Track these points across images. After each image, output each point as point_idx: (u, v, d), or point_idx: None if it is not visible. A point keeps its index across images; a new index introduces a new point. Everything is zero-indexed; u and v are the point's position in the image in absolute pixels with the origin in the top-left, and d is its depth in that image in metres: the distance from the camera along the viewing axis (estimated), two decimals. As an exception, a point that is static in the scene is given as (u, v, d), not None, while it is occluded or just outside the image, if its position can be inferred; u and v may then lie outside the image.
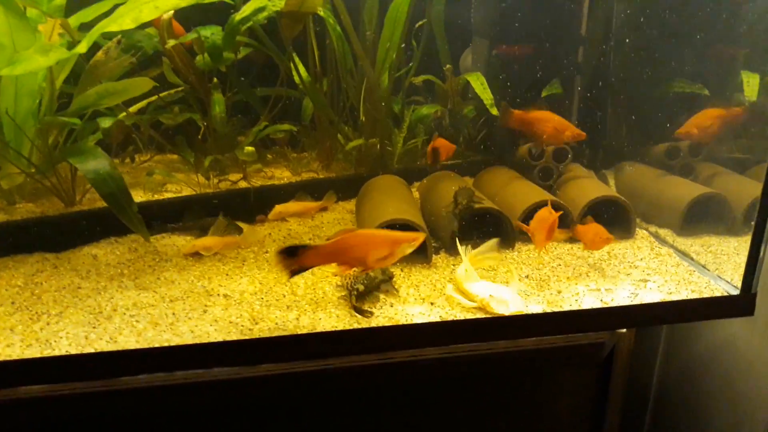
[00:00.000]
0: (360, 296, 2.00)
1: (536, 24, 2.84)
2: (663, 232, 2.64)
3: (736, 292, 2.11)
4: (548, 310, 1.98)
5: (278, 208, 2.56)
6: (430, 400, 2.04)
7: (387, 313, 1.95)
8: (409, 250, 1.90)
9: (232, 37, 2.29)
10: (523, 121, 2.70)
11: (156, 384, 1.81)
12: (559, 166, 2.88)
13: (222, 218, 2.29)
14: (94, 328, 1.85)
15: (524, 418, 2.16)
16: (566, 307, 1.99)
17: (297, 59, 2.73)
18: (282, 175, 2.95)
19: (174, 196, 2.64)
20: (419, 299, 2.04)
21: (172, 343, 1.78)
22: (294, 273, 1.83)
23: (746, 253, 2.05)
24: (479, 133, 3.07)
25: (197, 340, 1.80)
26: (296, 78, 2.76)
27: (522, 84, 2.90)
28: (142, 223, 2.11)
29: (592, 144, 3.02)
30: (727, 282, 2.18)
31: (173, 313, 1.93)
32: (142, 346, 1.77)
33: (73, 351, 1.74)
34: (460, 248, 2.19)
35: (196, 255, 2.28)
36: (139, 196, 2.64)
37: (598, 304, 2.02)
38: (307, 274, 2.19)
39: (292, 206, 2.57)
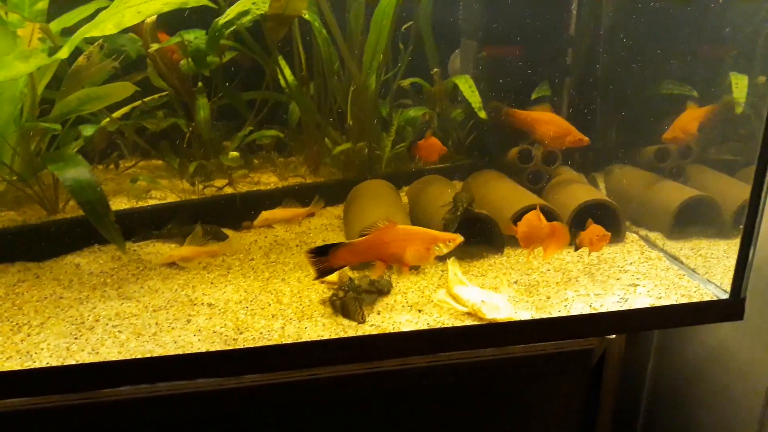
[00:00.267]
0: (350, 301, 1.97)
1: (525, 26, 2.82)
2: (653, 236, 2.62)
3: (725, 296, 2.09)
4: (537, 316, 1.96)
5: (264, 215, 2.54)
6: (418, 409, 2.02)
7: (374, 321, 1.92)
8: (446, 251, 1.92)
9: (216, 41, 2.26)
10: (525, 122, 2.67)
11: (139, 396, 1.78)
12: (549, 170, 2.87)
13: (200, 227, 2.25)
14: (75, 339, 1.82)
15: (514, 425, 2.13)
16: (555, 313, 1.97)
17: (283, 63, 2.70)
18: (268, 181, 2.92)
19: (158, 202, 2.60)
20: (407, 306, 2.02)
21: (155, 354, 1.75)
22: (323, 273, 1.85)
23: (736, 256, 2.04)
24: (468, 137, 3.04)
25: (180, 351, 1.77)
26: (282, 82, 2.73)
27: (511, 86, 2.89)
28: (119, 233, 2.08)
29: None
30: (717, 286, 2.17)
31: (156, 323, 1.90)
32: (124, 357, 1.74)
33: (54, 363, 1.71)
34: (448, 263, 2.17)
35: (173, 265, 2.25)
36: (122, 203, 2.61)
37: (587, 310, 2.00)
38: (293, 281, 2.17)
39: (278, 212, 2.55)
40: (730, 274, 2.07)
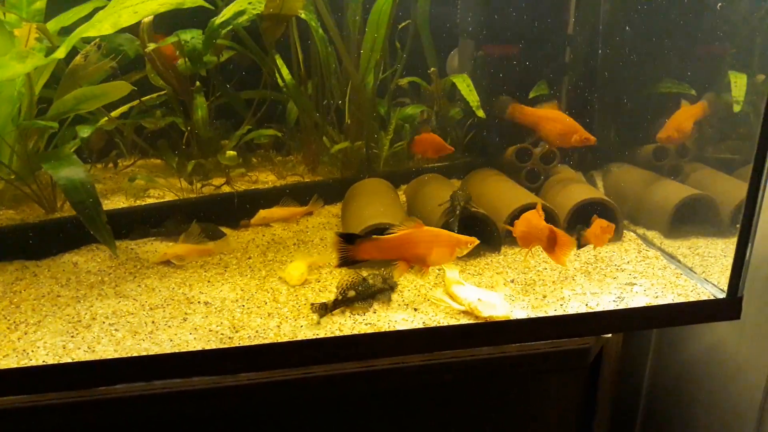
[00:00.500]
0: (346, 302, 1.97)
1: (523, 24, 2.82)
2: (651, 234, 2.62)
3: (722, 295, 2.09)
4: (533, 315, 1.96)
5: (262, 213, 2.54)
6: (413, 408, 2.02)
7: (369, 319, 1.92)
8: (465, 252, 1.96)
9: (212, 41, 2.26)
10: (531, 119, 2.67)
11: (134, 394, 1.78)
12: (547, 168, 2.87)
13: (195, 225, 2.26)
14: (72, 337, 1.82)
15: (510, 424, 2.13)
16: (551, 312, 1.97)
17: (280, 62, 2.70)
18: (267, 179, 2.92)
19: (156, 201, 2.61)
20: (403, 305, 2.02)
21: (151, 352, 1.75)
22: (345, 262, 1.87)
23: (733, 255, 2.04)
24: (466, 135, 3.04)
25: (176, 349, 1.77)
26: (279, 81, 2.73)
27: (509, 85, 2.88)
28: (110, 235, 2.08)
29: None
30: (714, 285, 2.16)
31: (153, 322, 1.91)
32: (120, 356, 1.74)
33: (51, 361, 1.72)
34: None
35: (169, 263, 2.26)
36: (121, 202, 2.62)
37: (583, 309, 2.00)
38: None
39: (276, 211, 2.56)
40: (728, 273, 2.06)
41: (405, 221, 1.93)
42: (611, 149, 3.05)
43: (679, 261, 2.39)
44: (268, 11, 2.22)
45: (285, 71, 2.72)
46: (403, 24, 2.92)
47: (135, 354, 1.74)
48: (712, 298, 2.08)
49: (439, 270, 2.24)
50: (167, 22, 2.46)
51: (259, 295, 2.07)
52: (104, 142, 2.86)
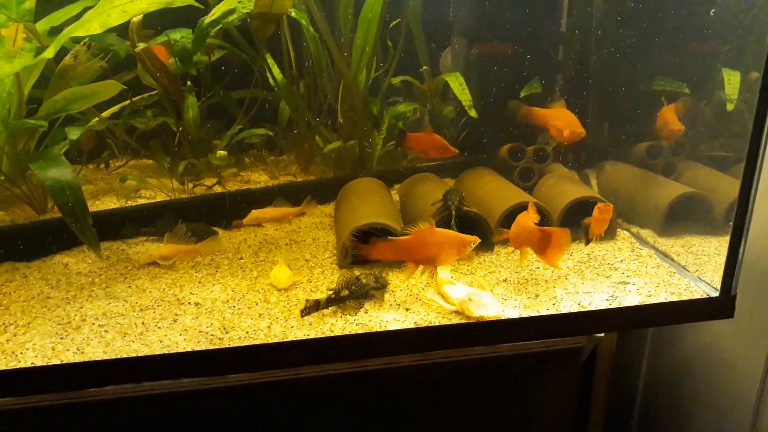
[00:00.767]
0: (338, 300, 1.96)
1: (516, 23, 2.81)
2: (644, 233, 2.61)
3: (716, 294, 2.08)
4: (525, 314, 1.95)
5: (254, 213, 2.53)
6: (405, 408, 2.01)
7: (361, 319, 1.91)
8: (469, 251, 1.98)
9: (202, 40, 2.25)
10: (541, 119, 2.67)
11: (123, 395, 1.77)
12: (540, 167, 2.86)
13: (181, 225, 2.24)
14: (61, 339, 1.81)
15: (503, 424, 2.13)
16: (543, 312, 1.96)
17: (271, 61, 2.69)
18: (259, 179, 2.91)
19: (148, 201, 2.60)
20: (395, 305, 2.01)
21: (140, 354, 1.74)
22: (357, 260, 1.89)
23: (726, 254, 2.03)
24: (460, 134, 3.03)
25: (166, 350, 1.76)
26: (271, 81, 2.72)
27: (502, 83, 2.88)
28: (95, 237, 2.06)
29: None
30: (708, 284, 2.16)
31: (143, 323, 1.90)
32: (109, 357, 1.73)
33: (39, 363, 1.71)
34: None
35: (155, 264, 2.25)
36: (112, 203, 2.61)
37: (575, 308, 1.99)
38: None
39: (268, 211, 2.55)
40: (721, 272, 2.05)
41: (419, 223, 1.93)
42: (605, 147, 3.04)
43: (672, 259, 2.38)
44: (257, 10, 2.21)
45: (276, 70, 2.71)
46: (395, 22, 2.91)
47: (124, 355, 1.73)
48: (705, 296, 2.08)
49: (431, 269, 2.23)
50: (158, 22, 2.46)
51: (250, 296, 2.06)
52: (95, 142, 2.84)
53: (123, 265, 2.27)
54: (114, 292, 2.09)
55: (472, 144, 3.03)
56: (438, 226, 2.29)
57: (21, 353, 1.74)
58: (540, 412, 2.13)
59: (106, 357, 1.73)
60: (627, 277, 2.21)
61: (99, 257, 2.24)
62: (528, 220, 2.11)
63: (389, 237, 1.92)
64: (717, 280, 2.08)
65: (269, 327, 1.87)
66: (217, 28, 2.21)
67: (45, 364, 1.70)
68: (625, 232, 2.60)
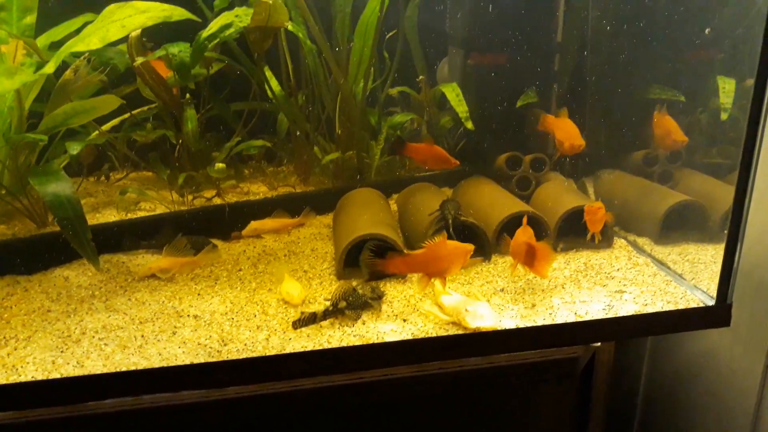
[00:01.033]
0: (336, 312, 1.97)
1: (512, 33, 2.83)
2: (641, 241, 2.62)
3: (712, 302, 2.09)
4: (522, 324, 1.96)
5: (253, 225, 2.55)
6: (403, 420, 2.02)
7: (358, 331, 1.93)
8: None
9: (200, 54, 2.28)
10: (549, 126, 2.69)
11: (123, 408, 1.79)
12: (537, 176, 2.87)
13: (180, 238, 2.26)
14: (61, 352, 1.83)
15: (501, 433, 2.14)
16: (540, 322, 1.97)
17: (269, 73, 2.72)
18: (258, 190, 2.93)
19: (147, 214, 2.61)
20: (392, 316, 2.02)
21: (140, 367, 1.76)
22: (374, 276, 1.91)
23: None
24: (457, 144, 3.05)
25: (165, 363, 1.77)
26: (269, 93, 2.75)
27: (499, 93, 2.90)
28: (95, 252, 2.09)
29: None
30: (704, 292, 2.17)
31: (142, 336, 1.91)
32: (109, 370, 1.74)
33: (40, 376, 1.72)
34: None
35: (154, 277, 2.26)
36: (112, 216, 2.62)
37: (572, 318, 2.00)
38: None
39: (267, 223, 2.57)
40: (717, 280, 2.06)
41: (433, 237, 1.97)
42: (602, 155, 3.06)
43: (669, 267, 2.39)
44: (254, 24, 2.23)
45: (274, 83, 2.74)
46: (391, 33, 2.93)
47: (124, 368, 1.75)
48: (701, 305, 2.08)
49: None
50: (157, 34, 2.48)
51: (249, 308, 2.07)
52: (95, 156, 2.87)
53: (123, 278, 2.29)
54: (114, 304, 2.10)
55: (469, 153, 3.04)
56: (434, 236, 2.32)
57: (22, 367, 1.75)
58: (538, 422, 2.14)
59: (105, 370, 1.74)
60: (624, 285, 2.22)
61: (98, 271, 2.26)
62: (523, 234, 2.14)
63: (406, 251, 1.94)
64: (713, 289, 2.09)
65: (267, 339, 1.88)
66: (215, 42, 2.24)
67: (45, 378, 1.71)
68: (622, 240, 2.61)
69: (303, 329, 1.92)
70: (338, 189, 2.86)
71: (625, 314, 2.01)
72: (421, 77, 2.93)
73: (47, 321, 2.00)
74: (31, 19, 2.38)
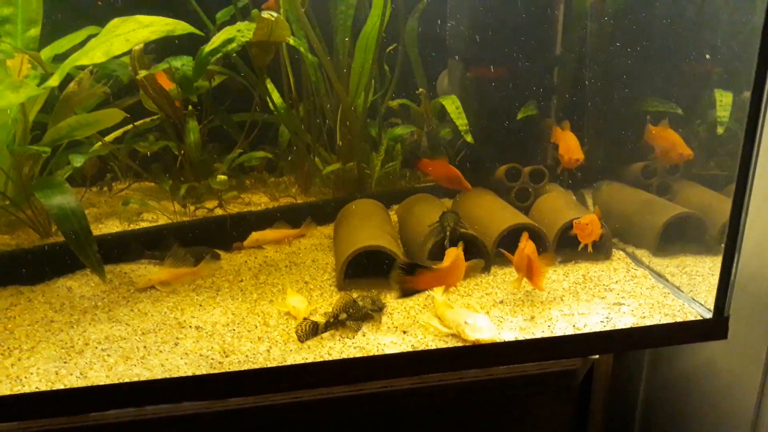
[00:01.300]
0: (337, 324, 1.99)
1: (511, 45, 2.86)
2: (640, 253, 2.64)
3: (709, 315, 2.11)
4: (521, 336, 1.98)
5: (255, 236, 2.57)
6: (402, 431, 2.04)
7: (359, 342, 1.94)
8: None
9: (202, 68, 2.30)
10: (555, 137, 2.74)
11: (126, 419, 1.81)
12: (537, 187, 2.90)
13: (178, 249, 2.28)
14: (65, 363, 1.84)
15: (500, 444, 2.15)
16: (539, 334, 1.99)
17: (271, 86, 2.74)
18: (259, 201, 2.95)
19: (150, 225, 2.63)
20: (392, 327, 2.04)
21: (142, 378, 1.77)
22: (406, 293, 1.94)
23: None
24: (457, 155, 3.07)
25: (167, 374, 1.79)
26: (270, 105, 2.77)
27: (499, 105, 2.92)
28: (101, 264, 2.10)
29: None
30: (701, 305, 2.19)
31: (145, 347, 1.93)
32: (112, 381, 1.76)
33: (43, 387, 1.73)
34: None
35: (153, 288, 2.28)
36: (115, 226, 2.64)
37: (570, 330, 2.01)
38: (280, 303, 2.20)
39: (268, 233, 2.59)
40: (715, 292, 2.08)
41: (453, 249, 2.04)
42: (601, 167, 3.08)
43: (667, 280, 2.41)
44: (256, 38, 2.26)
45: (276, 95, 2.76)
46: (391, 47, 2.96)
47: (127, 380, 1.76)
48: (699, 318, 2.10)
49: (429, 292, 2.26)
50: (159, 47, 2.51)
51: (250, 319, 2.09)
52: (97, 168, 2.89)
53: (125, 289, 2.30)
54: (116, 315, 2.12)
55: (468, 165, 3.06)
56: (434, 247, 2.35)
57: (25, 378, 1.77)
58: (536, 432, 2.16)
59: (108, 381, 1.76)
60: (622, 298, 2.24)
61: (103, 282, 2.28)
62: (527, 248, 2.17)
63: (433, 266, 1.99)
64: (711, 301, 2.11)
65: (268, 350, 1.90)
66: (217, 56, 2.26)
67: (49, 388, 1.73)
68: (621, 252, 2.63)
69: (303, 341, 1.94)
70: (339, 200, 2.89)
71: (623, 327, 2.03)
72: (420, 90, 2.95)
73: (50, 331, 2.02)
74: (35, 31, 2.41)
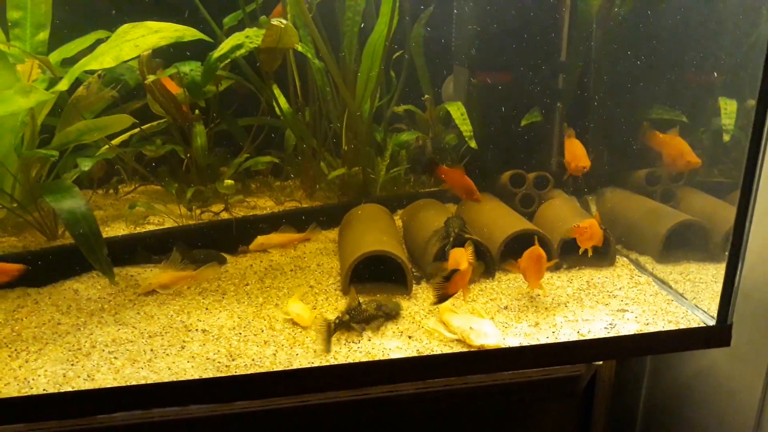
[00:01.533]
0: (343, 326, 2.01)
1: (516, 51, 2.88)
2: (643, 260, 2.65)
3: (712, 322, 2.12)
4: (525, 342, 1.99)
5: (260, 239, 2.58)
6: (407, 435, 2.05)
7: (364, 347, 1.96)
8: None
9: (211, 74, 2.32)
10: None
11: (133, 422, 1.82)
12: (541, 193, 2.91)
13: (177, 252, 2.28)
14: (72, 365, 1.85)
15: (504, 450, 2.16)
16: (543, 340, 2.00)
17: (277, 91, 2.76)
18: (265, 205, 2.96)
19: (156, 228, 2.65)
20: (397, 332, 2.05)
21: (149, 381, 1.78)
22: (442, 299, 2.00)
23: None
24: (461, 160, 3.08)
25: (174, 378, 1.80)
26: (277, 109, 2.79)
27: (503, 111, 2.94)
28: (111, 267, 2.13)
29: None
30: (704, 312, 2.19)
31: (151, 350, 1.94)
32: (119, 384, 1.77)
33: (51, 389, 1.74)
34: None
35: (154, 292, 2.29)
36: (121, 229, 2.66)
37: (575, 336, 2.02)
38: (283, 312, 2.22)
39: (274, 237, 2.60)
40: (718, 300, 2.09)
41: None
42: (605, 174, 3.09)
43: (670, 287, 2.42)
44: (265, 45, 2.27)
45: (282, 100, 2.78)
46: (397, 54, 2.98)
47: (134, 382, 1.77)
48: (702, 325, 2.11)
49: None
50: (166, 50, 2.53)
51: (256, 323, 2.10)
52: (104, 171, 2.91)
53: (131, 291, 2.31)
54: (123, 318, 2.13)
55: (473, 170, 3.08)
56: (439, 252, 2.37)
57: (33, 380, 1.78)
58: (540, 438, 2.17)
59: (116, 384, 1.77)
60: (626, 304, 2.25)
61: (113, 285, 2.29)
62: (534, 252, 2.19)
63: (458, 269, 2.03)
64: (714, 308, 2.12)
65: (275, 354, 1.91)
66: (226, 62, 2.28)
67: (56, 391, 1.74)
68: (625, 258, 2.64)
69: (309, 345, 1.95)
70: (344, 204, 2.90)
71: (627, 333, 2.04)
72: (426, 96, 2.97)
73: (58, 334, 2.03)
74: (44, 35, 2.43)
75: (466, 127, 2.75)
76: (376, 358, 1.89)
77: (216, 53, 2.28)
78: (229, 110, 2.96)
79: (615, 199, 3.01)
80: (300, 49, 2.55)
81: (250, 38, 2.24)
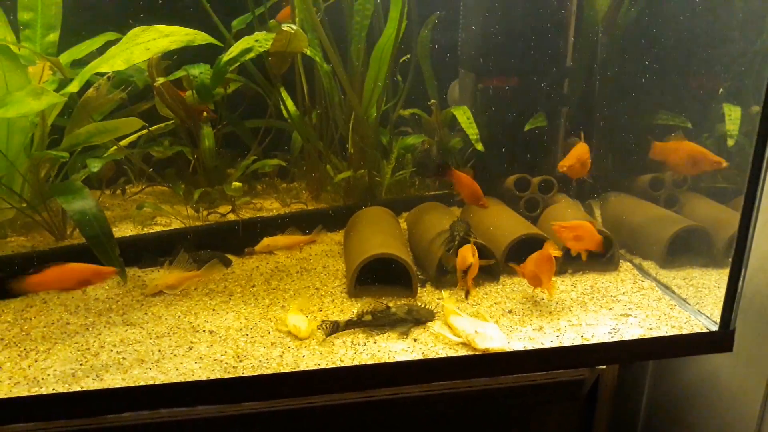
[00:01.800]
0: (359, 324, 2.04)
1: (522, 56, 2.90)
2: (647, 264, 2.67)
3: (715, 327, 2.13)
4: (530, 346, 2.00)
5: (266, 241, 2.60)
6: (412, 437, 2.07)
7: (370, 349, 1.97)
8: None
9: (221, 77, 2.34)
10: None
11: (141, 422, 1.83)
12: (545, 197, 2.93)
13: (183, 253, 2.30)
14: (81, 365, 1.87)
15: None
16: (547, 344, 2.01)
17: (285, 94, 2.78)
18: (271, 207, 2.98)
19: (163, 229, 2.67)
20: (402, 336, 2.07)
21: (158, 381, 1.80)
22: (468, 293, 2.21)
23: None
24: (467, 164, 3.10)
25: (182, 378, 1.82)
26: (284, 113, 2.81)
27: (509, 116, 2.96)
28: (123, 267, 2.14)
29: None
30: (707, 317, 2.21)
31: (159, 350, 1.96)
32: (127, 384, 1.79)
33: (60, 389, 1.77)
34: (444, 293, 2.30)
35: (161, 293, 2.31)
36: (129, 229, 2.68)
37: (578, 340, 2.04)
38: (293, 308, 2.23)
39: (280, 239, 2.61)
40: (721, 305, 2.11)
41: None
42: (609, 178, 3.11)
43: (673, 292, 2.44)
44: (274, 49, 2.29)
45: (290, 103, 2.80)
46: (404, 58, 3.00)
47: (142, 383, 1.79)
48: (705, 330, 2.13)
49: (438, 299, 2.29)
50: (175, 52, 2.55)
51: (263, 324, 2.12)
52: (112, 171, 2.93)
53: (139, 292, 2.33)
54: (131, 318, 2.15)
55: (478, 174, 3.10)
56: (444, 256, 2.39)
57: (42, 379, 1.80)
58: (543, 441, 2.19)
59: (124, 384, 1.79)
60: (629, 309, 2.27)
61: (124, 284, 2.32)
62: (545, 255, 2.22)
63: (471, 264, 2.16)
64: (717, 314, 2.13)
65: (281, 356, 1.93)
66: (235, 65, 2.30)
67: (66, 390, 1.76)
68: (628, 263, 2.66)
69: (315, 347, 1.97)
70: (349, 207, 2.92)
71: (630, 338, 2.06)
72: (433, 101, 2.99)
73: (66, 333, 2.05)
74: (54, 36, 2.45)
75: (472, 131, 2.77)
76: (382, 361, 1.91)
77: (225, 56, 2.29)
78: (236, 112, 2.98)
79: (619, 204, 3.03)
80: (309, 53, 2.57)
81: (259, 42, 2.25)
